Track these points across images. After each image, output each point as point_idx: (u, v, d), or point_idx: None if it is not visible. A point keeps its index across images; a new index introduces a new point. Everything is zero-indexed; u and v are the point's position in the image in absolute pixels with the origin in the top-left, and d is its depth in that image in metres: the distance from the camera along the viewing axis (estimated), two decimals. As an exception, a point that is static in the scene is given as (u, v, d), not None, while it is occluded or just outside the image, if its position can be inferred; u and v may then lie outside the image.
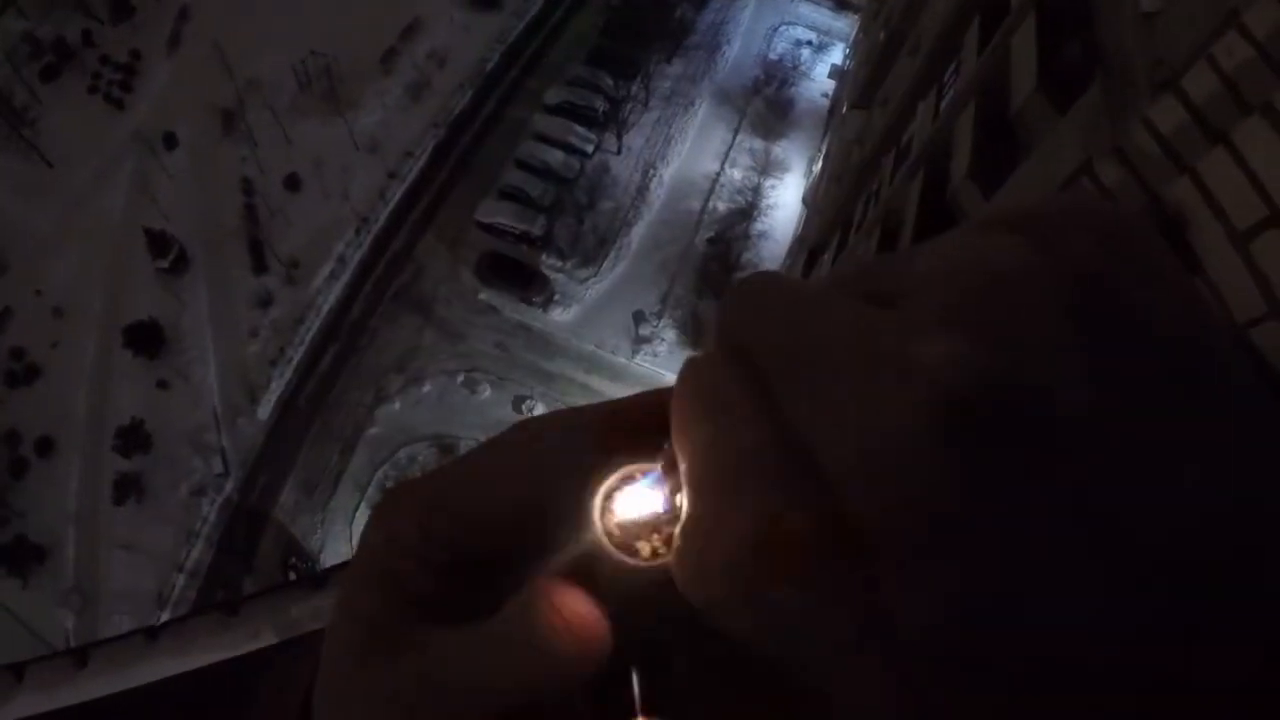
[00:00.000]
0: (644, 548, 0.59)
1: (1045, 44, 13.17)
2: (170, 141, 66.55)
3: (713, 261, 54.31)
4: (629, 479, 0.61)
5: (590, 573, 0.59)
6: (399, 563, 0.63)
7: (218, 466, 49.91)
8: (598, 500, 0.60)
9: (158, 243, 58.78)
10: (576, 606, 0.55)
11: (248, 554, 48.17)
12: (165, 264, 58.40)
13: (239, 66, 67.63)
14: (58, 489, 51.28)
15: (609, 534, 0.59)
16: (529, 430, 0.65)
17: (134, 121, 68.83)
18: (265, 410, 50.38)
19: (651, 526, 0.60)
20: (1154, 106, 7.11)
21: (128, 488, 50.25)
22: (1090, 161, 8.04)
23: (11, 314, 59.36)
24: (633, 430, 0.62)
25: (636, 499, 0.60)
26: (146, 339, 54.72)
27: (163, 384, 53.30)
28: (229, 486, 49.44)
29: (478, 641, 0.58)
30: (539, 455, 0.62)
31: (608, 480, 0.61)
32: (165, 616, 43.79)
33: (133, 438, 50.92)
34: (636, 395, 0.64)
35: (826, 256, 31.90)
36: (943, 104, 19.68)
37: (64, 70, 73.73)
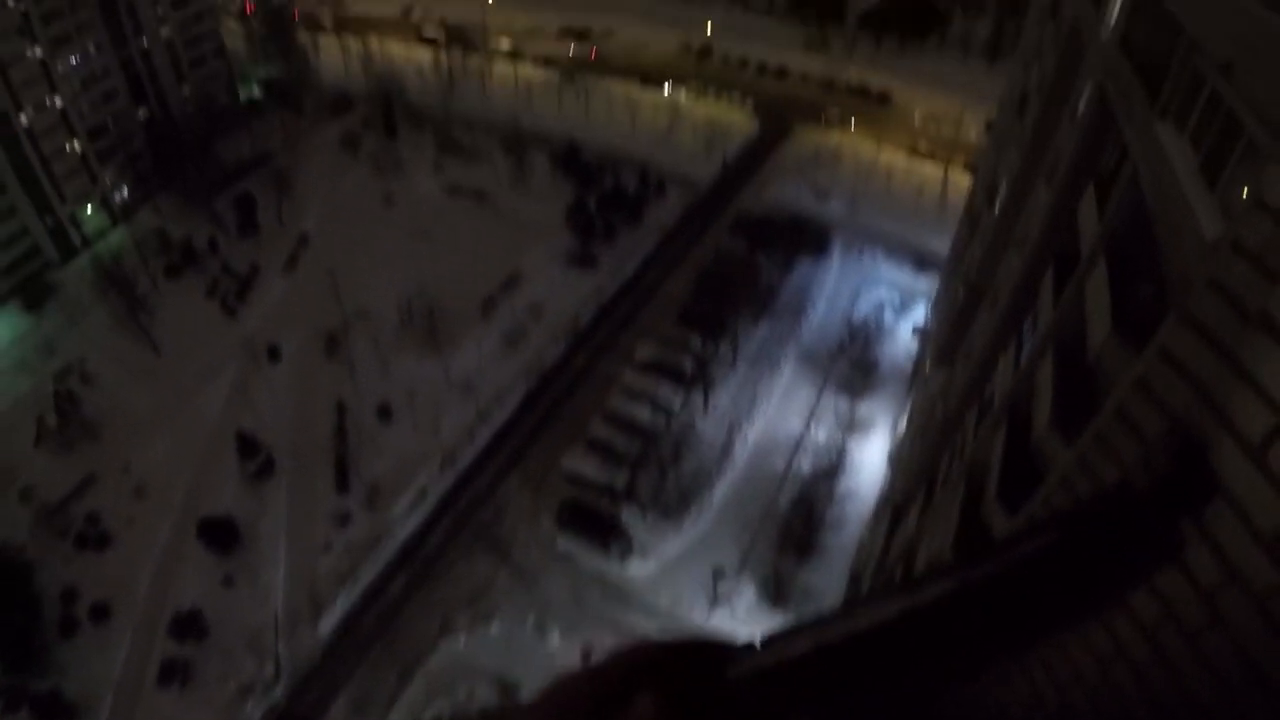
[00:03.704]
0: None
1: (1117, 286, 13.89)
2: (274, 354, 75.33)
3: (796, 521, 57.44)
4: None
5: None
6: None
7: (270, 670, 53.48)
8: None
9: (248, 446, 65.75)
10: None
11: (285, 763, 50.82)
12: (252, 467, 64.92)
13: (349, 296, 77.93)
14: (104, 656, 54.65)
15: None
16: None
17: (244, 330, 78.38)
18: (328, 624, 54.69)
19: None
20: (1170, 335, 7.32)
21: (175, 671, 53.70)
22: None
23: (95, 480, 65.67)
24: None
25: None
26: (221, 534, 59.96)
27: (229, 580, 58.04)
28: (278, 691, 52.83)
29: None
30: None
31: None
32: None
33: (190, 624, 54.78)
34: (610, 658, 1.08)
35: (912, 514, 32.68)
36: (1022, 355, 20.28)
37: (187, 270, 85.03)
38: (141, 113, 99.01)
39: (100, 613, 56.51)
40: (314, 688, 52.71)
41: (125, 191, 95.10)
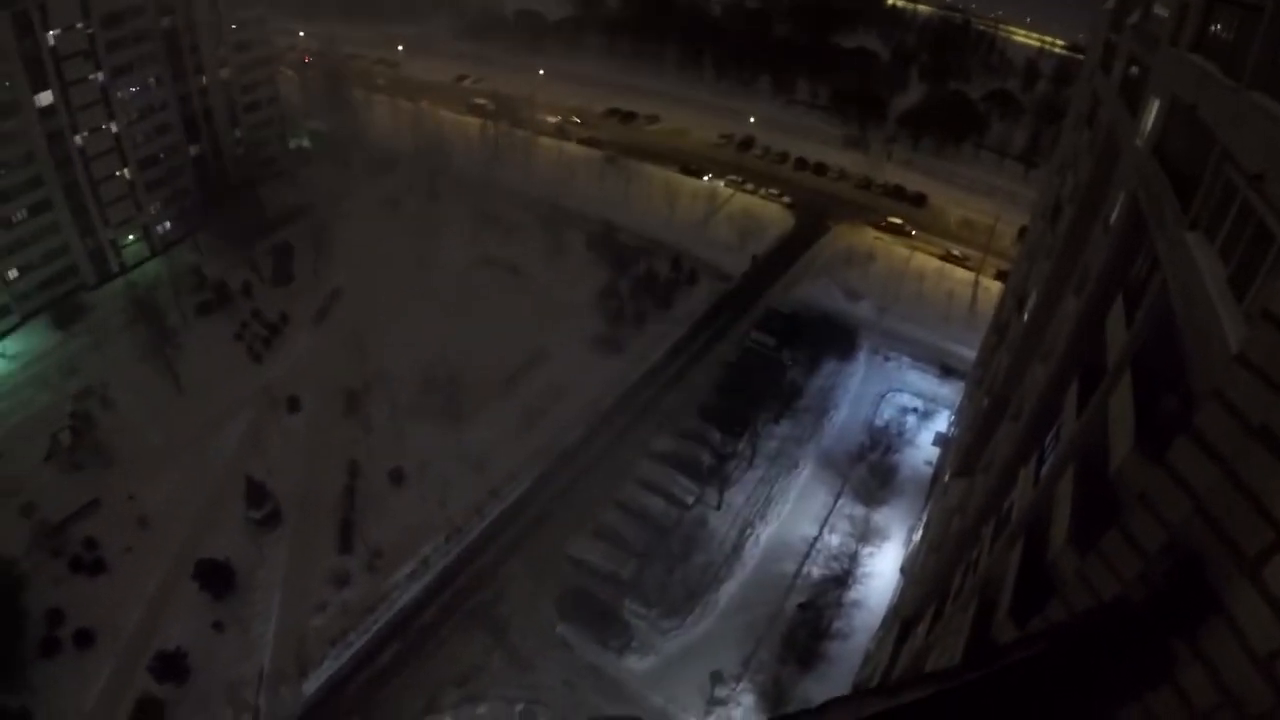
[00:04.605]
0: None
1: (1142, 399, 13.38)
2: (294, 405, 76.05)
3: (802, 628, 56.19)
4: None
5: None
6: None
7: (247, 724, 52.98)
8: None
9: (256, 493, 65.82)
10: None
11: (249, 822, 50.10)
12: (257, 515, 65.20)
13: (374, 355, 79.32)
14: (81, 683, 54.16)
15: None
16: None
17: (267, 377, 79.45)
18: (312, 686, 54.39)
19: None
20: (1175, 451, 7.15)
21: (149, 711, 52.80)
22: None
23: (98, 507, 66.02)
24: None
25: None
26: (217, 577, 60.01)
27: (219, 625, 57.90)
28: (251, 748, 52.21)
29: None
30: None
31: None
32: None
33: (172, 664, 54.28)
34: None
35: (921, 628, 31.57)
36: (1043, 469, 19.76)
37: (218, 311, 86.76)
38: (193, 150, 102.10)
39: (84, 639, 56.34)
40: (288, 750, 51.93)
41: (167, 225, 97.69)
